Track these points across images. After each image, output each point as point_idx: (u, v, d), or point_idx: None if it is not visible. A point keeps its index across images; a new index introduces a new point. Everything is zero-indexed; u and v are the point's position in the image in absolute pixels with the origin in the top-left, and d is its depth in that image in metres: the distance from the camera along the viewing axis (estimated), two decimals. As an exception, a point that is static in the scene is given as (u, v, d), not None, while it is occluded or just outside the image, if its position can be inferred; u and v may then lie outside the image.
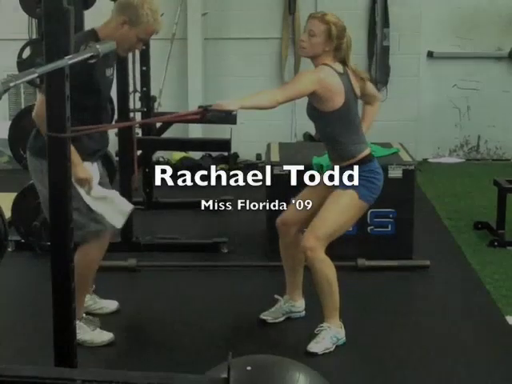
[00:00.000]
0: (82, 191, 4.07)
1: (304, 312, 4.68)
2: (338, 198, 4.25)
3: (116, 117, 5.75)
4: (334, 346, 4.28)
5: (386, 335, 4.53)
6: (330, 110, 4.21)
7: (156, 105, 7.11)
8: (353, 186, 4.23)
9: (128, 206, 4.40)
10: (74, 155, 4.02)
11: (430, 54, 8.85)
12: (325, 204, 4.26)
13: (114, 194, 4.38)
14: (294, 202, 4.50)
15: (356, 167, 4.25)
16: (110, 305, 4.78)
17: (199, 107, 3.96)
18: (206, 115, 3.90)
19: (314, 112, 4.30)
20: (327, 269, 4.24)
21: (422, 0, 8.66)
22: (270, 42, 8.79)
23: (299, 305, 4.68)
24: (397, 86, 8.73)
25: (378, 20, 8.67)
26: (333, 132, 4.29)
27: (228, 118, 3.95)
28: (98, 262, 4.33)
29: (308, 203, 4.43)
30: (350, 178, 4.25)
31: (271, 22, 8.75)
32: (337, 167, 4.30)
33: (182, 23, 8.55)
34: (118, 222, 4.30)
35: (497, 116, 8.88)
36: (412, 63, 8.76)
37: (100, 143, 4.32)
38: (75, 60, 2.78)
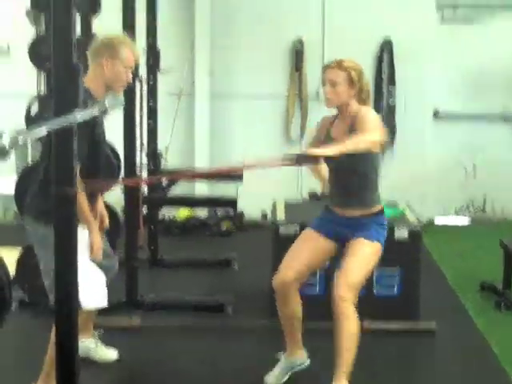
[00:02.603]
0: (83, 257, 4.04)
1: (308, 360, 4.63)
2: (364, 247, 4.26)
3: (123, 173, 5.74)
4: None
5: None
6: (376, 151, 4.25)
7: (162, 161, 7.12)
8: (378, 238, 4.28)
9: (102, 301, 4.26)
10: (88, 213, 4.05)
11: (436, 114, 8.87)
12: (352, 253, 4.25)
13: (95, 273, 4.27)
14: (287, 258, 4.44)
15: (379, 217, 4.32)
16: (111, 354, 4.80)
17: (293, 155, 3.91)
18: (300, 161, 3.87)
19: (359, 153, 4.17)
20: (355, 323, 4.19)
21: (428, 59, 8.71)
22: (277, 98, 8.82)
23: (300, 357, 4.61)
24: (403, 145, 8.74)
25: (384, 78, 8.72)
26: (371, 175, 4.31)
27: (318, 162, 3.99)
28: None
29: (306, 261, 4.41)
30: (374, 230, 4.28)
31: (277, 79, 8.80)
32: (357, 214, 4.32)
33: (189, 80, 8.60)
34: (89, 303, 4.16)
35: (503, 176, 8.87)
36: (418, 122, 8.78)
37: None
38: (83, 115, 2.78)
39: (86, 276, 4.05)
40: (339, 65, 4.27)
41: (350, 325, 4.17)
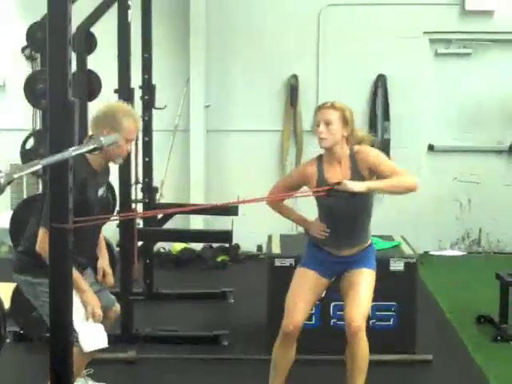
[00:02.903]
0: (78, 303, 4.07)
1: None
2: (365, 276, 4.35)
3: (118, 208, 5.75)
4: None
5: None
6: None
7: (158, 196, 7.14)
8: (372, 266, 4.40)
9: (102, 342, 4.27)
10: (80, 281, 4.09)
11: (431, 148, 8.91)
12: (358, 283, 4.32)
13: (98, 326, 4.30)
14: (297, 303, 4.42)
15: (372, 248, 4.46)
16: None
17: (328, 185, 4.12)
18: (332, 194, 4.05)
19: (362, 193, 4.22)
20: (367, 347, 4.30)
21: (422, 94, 8.76)
22: (272, 134, 8.86)
23: None
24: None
25: (378, 113, 8.76)
26: (369, 214, 4.38)
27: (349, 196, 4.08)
28: None
29: (310, 302, 4.45)
30: (372, 259, 4.42)
31: (273, 114, 8.83)
32: (354, 252, 4.39)
33: (184, 115, 8.65)
34: (91, 345, 4.18)
35: (498, 209, 8.88)
36: (413, 156, 8.80)
37: (90, 261, 4.42)
38: (79, 151, 2.80)
39: (85, 321, 4.11)
40: (333, 105, 4.30)
41: (366, 354, 4.30)
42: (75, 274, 3.80)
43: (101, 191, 4.32)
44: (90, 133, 4.34)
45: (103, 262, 4.55)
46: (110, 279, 4.54)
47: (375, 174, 4.27)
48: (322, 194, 4.12)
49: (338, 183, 4.07)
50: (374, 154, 4.28)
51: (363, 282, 4.32)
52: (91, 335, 4.17)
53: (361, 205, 4.31)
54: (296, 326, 4.38)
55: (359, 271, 4.33)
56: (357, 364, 4.30)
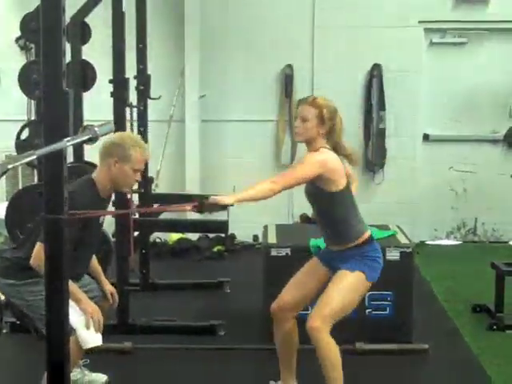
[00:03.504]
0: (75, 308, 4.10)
1: None
2: (344, 278, 4.25)
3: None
4: None
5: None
6: (334, 191, 4.22)
7: (153, 186, 7.14)
8: (360, 268, 4.24)
9: (98, 340, 4.33)
10: (77, 292, 4.11)
11: (426, 137, 8.91)
12: (331, 284, 4.26)
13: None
14: (288, 286, 4.47)
15: (362, 249, 4.29)
16: (100, 378, 4.81)
17: (195, 199, 4.05)
18: (202, 209, 4.01)
19: (316, 193, 4.28)
20: (331, 352, 4.21)
21: (417, 83, 8.75)
22: (267, 123, 8.85)
23: None
24: (393, 169, 8.77)
25: (373, 103, 8.75)
26: (335, 214, 4.30)
27: (222, 210, 4.06)
28: None
29: (304, 286, 4.42)
30: (357, 260, 4.26)
31: (268, 104, 8.82)
32: (340, 248, 4.33)
33: (179, 105, 8.63)
34: (88, 343, 4.25)
35: (493, 198, 8.89)
36: (408, 146, 8.81)
37: (83, 268, 4.48)
38: (74, 142, 2.78)
39: (85, 326, 4.18)
40: (313, 101, 4.29)
41: (327, 354, 4.21)
42: (71, 286, 3.79)
43: (102, 218, 4.41)
44: (98, 162, 4.38)
45: (107, 284, 4.69)
46: (116, 297, 4.71)
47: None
48: (190, 208, 4.10)
49: (206, 198, 4.06)
50: (305, 157, 4.29)
51: (338, 284, 4.23)
52: (89, 334, 4.22)
53: (323, 207, 4.33)
54: (280, 306, 4.42)
55: (341, 272, 4.25)
56: (326, 373, 4.24)
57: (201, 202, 4.00)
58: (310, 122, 4.26)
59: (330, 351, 4.20)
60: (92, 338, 4.24)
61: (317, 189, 4.26)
